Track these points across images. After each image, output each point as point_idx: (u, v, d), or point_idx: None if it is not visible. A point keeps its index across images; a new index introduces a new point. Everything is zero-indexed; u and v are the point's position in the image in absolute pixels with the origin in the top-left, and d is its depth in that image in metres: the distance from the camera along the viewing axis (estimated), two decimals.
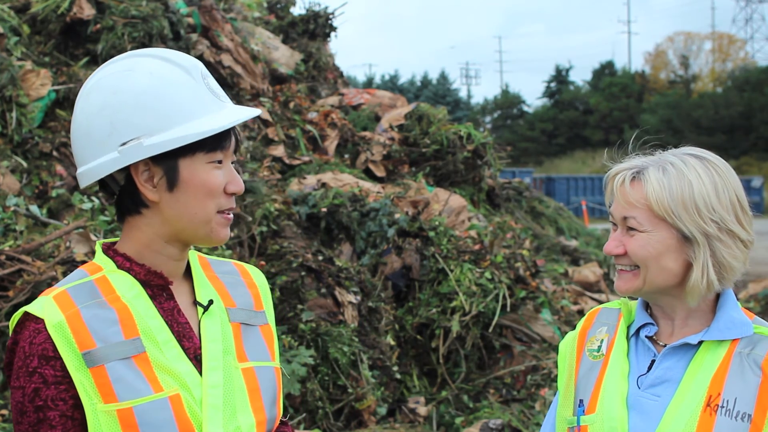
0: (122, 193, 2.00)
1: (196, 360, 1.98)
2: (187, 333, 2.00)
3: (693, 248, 2.10)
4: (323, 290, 6.88)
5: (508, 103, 72.26)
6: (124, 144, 1.92)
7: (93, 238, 5.98)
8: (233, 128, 2.03)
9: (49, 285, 5.44)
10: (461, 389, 7.26)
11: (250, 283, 2.23)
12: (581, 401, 2.25)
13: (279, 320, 6.60)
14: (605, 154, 2.31)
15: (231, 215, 2.05)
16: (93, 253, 5.90)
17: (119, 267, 2.00)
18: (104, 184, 2.02)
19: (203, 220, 1.99)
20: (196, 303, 2.07)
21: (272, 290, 6.74)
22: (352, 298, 6.96)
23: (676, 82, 70.16)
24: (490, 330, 7.50)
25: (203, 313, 2.05)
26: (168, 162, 1.94)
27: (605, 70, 70.17)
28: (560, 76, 71.67)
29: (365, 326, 7.01)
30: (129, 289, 1.97)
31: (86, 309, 1.91)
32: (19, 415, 1.88)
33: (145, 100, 1.93)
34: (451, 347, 7.44)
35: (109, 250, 2.04)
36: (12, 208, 6.38)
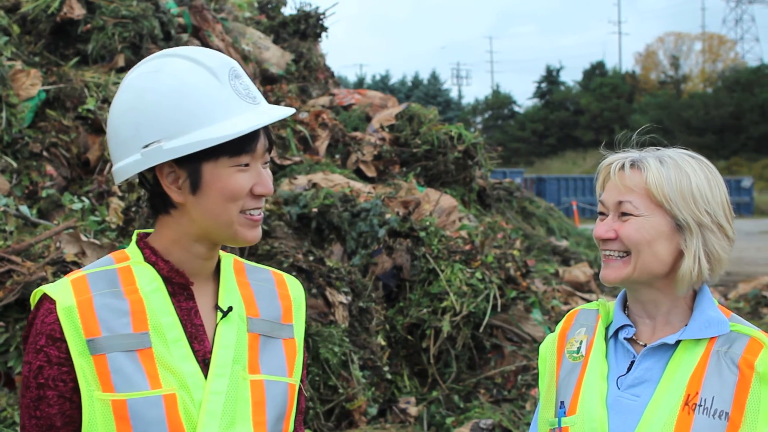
0: (153, 193, 2.02)
1: (204, 364, 1.98)
2: (199, 335, 2.01)
3: (685, 237, 2.13)
4: (314, 290, 6.88)
5: (498, 103, 72.39)
6: (146, 146, 1.93)
7: (83, 238, 5.97)
8: (262, 129, 2.01)
9: (39, 285, 5.43)
10: (452, 389, 7.26)
11: (283, 294, 2.20)
12: (562, 403, 2.26)
13: None
14: (601, 148, 2.33)
15: (260, 215, 2.05)
16: (83, 253, 5.90)
17: (146, 259, 2.02)
18: (141, 182, 2.05)
19: (226, 223, 1.99)
20: (217, 307, 2.06)
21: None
22: (342, 298, 6.96)
23: (667, 83, 70.39)
24: (481, 330, 7.51)
25: (221, 318, 2.04)
26: (191, 165, 1.95)
27: (596, 71, 70.37)
28: (551, 77, 71.82)
29: (356, 326, 7.01)
30: (149, 282, 1.99)
31: (100, 297, 1.94)
32: (24, 388, 1.93)
33: (167, 103, 1.93)
34: (442, 347, 7.45)
35: (141, 241, 2.06)
36: (1, 209, 6.36)
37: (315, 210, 7.88)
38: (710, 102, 57.76)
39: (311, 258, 7.24)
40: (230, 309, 2.05)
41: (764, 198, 47.62)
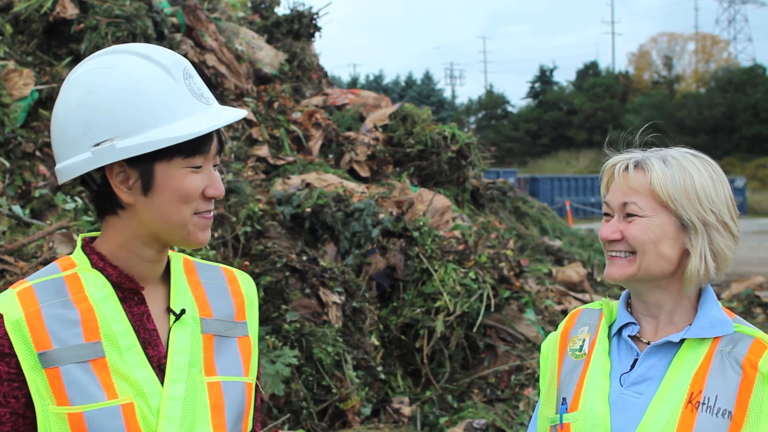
0: (99, 193, 1.95)
1: (160, 369, 1.92)
2: (153, 340, 1.95)
3: (691, 236, 2.14)
4: (307, 290, 6.87)
5: (492, 103, 72.38)
6: (97, 145, 1.87)
7: (76, 238, 5.96)
8: (216, 130, 1.96)
9: None
10: (445, 389, 7.27)
11: (235, 291, 2.15)
12: (564, 399, 2.27)
13: (263, 320, 6.59)
14: (605, 148, 2.35)
15: (211, 216, 1.99)
16: None
17: (93, 265, 1.95)
18: (84, 181, 1.97)
19: (179, 224, 1.93)
20: (169, 310, 2.01)
21: (256, 290, 6.73)
22: (336, 298, 6.96)
23: (660, 83, 70.43)
24: (474, 330, 7.51)
25: (174, 321, 1.99)
26: (144, 165, 1.88)
27: (589, 71, 70.42)
28: (544, 77, 71.84)
29: (349, 326, 7.01)
30: (99, 289, 1.92)
31: (48, 308, 1.87)
32: None
33: (121, 100, 1.87)
34: (436, 347, 7.45)
35: (87, 247, 1.99)
36: None
37: (308, 210, 7.88)
38: (703, 102, 57.82)
39: (305, 258, 7.24)
40: (183, 312, 2.00)
41: (757, 198, 47.71)
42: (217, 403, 1.97)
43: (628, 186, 2.17)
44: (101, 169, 1.90)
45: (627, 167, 2.19)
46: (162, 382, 1.91)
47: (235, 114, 1.96)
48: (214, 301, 2.08)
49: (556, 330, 2.45)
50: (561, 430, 2.25)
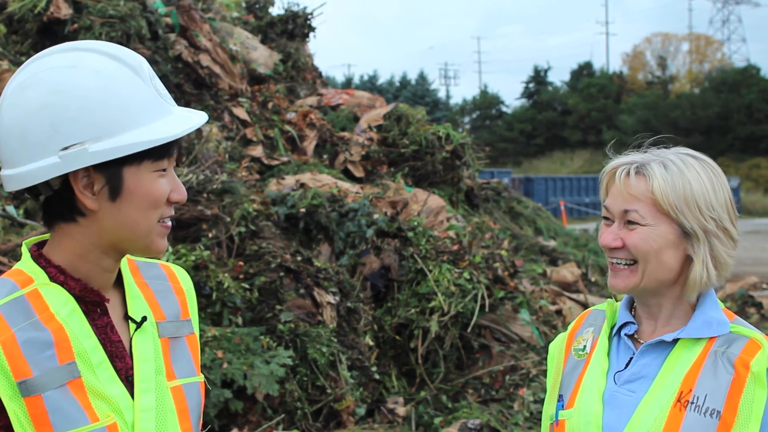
0: (54, 199, 1.83)
1: (128, 381, 1.85)
2: (119, 352, 1.86)
3: (693, 244, 2.13)
4: (302, 291, 6.87)
5: (486, 103, 72.40)
6: (65, 149, 1.74)
7: None
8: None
9: None
10: (440, 389, 7.27)
11: (177, 288, 2.07)
12: (561, 396, 2.30)
13: (258, 321, 6.59)
14: (609, 148, 2.32)
15: (169, 224, 1.92)
16: None
17: (52, 279, 1.83)
18: (31, 188, 1.82)
19: (145, 231, 1.84)
20: (127, 318, 1.93)
21: (251, 291, 6.73)
22: (330, 298, 6.95)
23: (654, 83, 70.53)
24: (469, 330, 7.51)
25: (136, 330, 1.91)
26: (111, 170, 1.78)
27: (583, 71, 70.48)
28: (539, 77, 71.89)
29: (344, 327, 7.01)
30: (63, 305, 1.81)
31: (21, 332, 1.74)
32: None
33: (92, 102, 1.75)
34: (430, 347, 7.45)
35: (41, 259, 1.86)
36: None
37: (303, 210, 7.87)
38: (697, 102, 57.90)
39: (299, 258, 7.23)
40: (144, 319, 1.92)
41: (751, 198, 47.81)
42: (182, 407, 1.92)
43: (628, 193, 2.16)
44: (62, 175, 1.77)
45: (628, 173, 2.17)
46: (132, 395, 1.84)
47: (200, 116, 1.89)
48: (162, 301, 2.02)
49: (564, 331, 2.48)
50: (557, 427, 2.28)
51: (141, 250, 1.88)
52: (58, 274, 1.83)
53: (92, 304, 1.86)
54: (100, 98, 1.76)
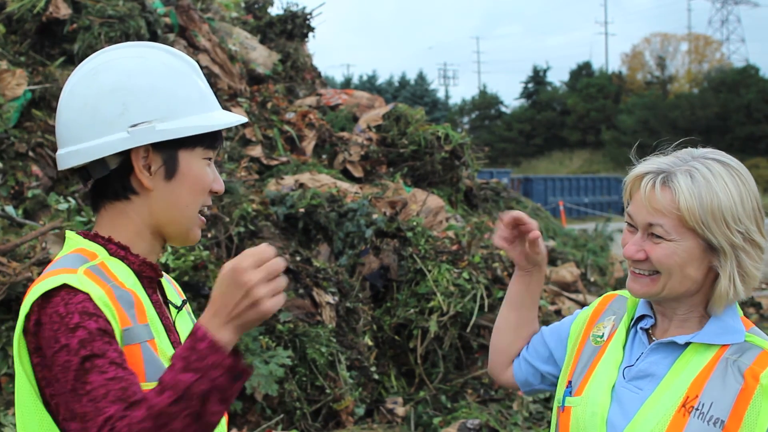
0: (110, 178, 1.97)
1: None
2: (170, 327, 2.02)
3: (719, 258, 2.08)
4: (301, 291, 6.87)
5: (485, 103, 72.44)
6: (134, 125, 1.92)
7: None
8: (219, 132, 2.05)
9: (25, 286, 5.40)
10: (439, 389, 7.27)
11: (172, 282, 2.26)
12: (570, 383, 2.28)
13: None
14: (633, 154, 2.25)
15: (204, 219, 2.06)
16: None
17: (112, 254, 1.97)
18: (82, 169, 1.99)
19: (190, 215, 2.00)
20: (167, 301, 2.08)
21: None
22: (329, 298, 6.95)
23: (653, 83, 70.56)
24: (468, 330, 7.51)
25: (177, 312, 2.08)
26: (169, 151, 1.95)
27: (582, 71, 70.50)
28: (538, 77, 71.91)
29: (343, 327, 7.01)
30: (127, 277, 1.94)
31: (114, 288, 1.88)
32: (64, 372, 1.75)
33: (160, 87, 1.95)
34: (429, 347, 7.45)
35: (98, 238, 1.99)
36: None
37: (302, 210, 7.87)
38: (696, 102, 57.92)
39: (298, 258, 7.23)
40: (185, 302, 2.10)
41: None
42: None
43: (653, 207, 2.09)
44: (121, 154, 1.94)
45: (654, 184, 2.10)
46: None
47: (243, 117, 2.07)
48: (174, 291, 2.19)
49: (588, 307, 2.46)
50: (562, 413, 2.26)
51: (181, 236, 2.03)
52: (118, 250, 1.98)
53: (148, 280, 2.00)
54: (167, 85, 1.96)
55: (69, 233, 2.03)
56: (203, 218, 2.05)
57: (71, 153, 1.96)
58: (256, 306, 1.74)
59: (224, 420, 2.11)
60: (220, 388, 1.74)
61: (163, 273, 2.11)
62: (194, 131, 1.94)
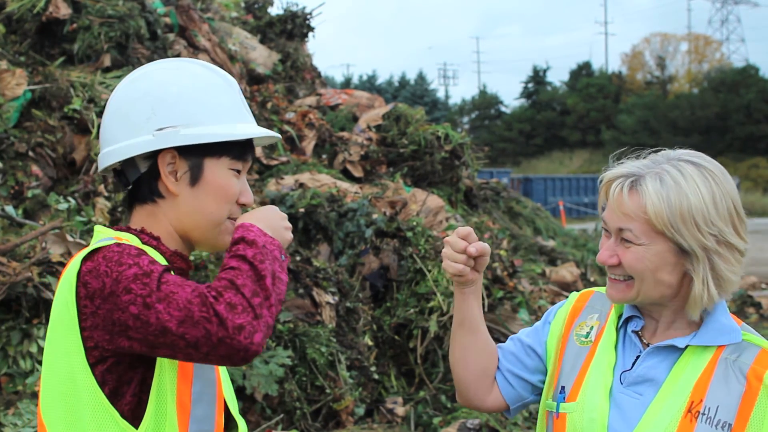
0: (140, 181, 2.07)
1: None
2: None
3: (692, 261, 2.05)
4: (301, 291, 6.87)
5: (485, 103, 72.47)
6: (160, 129, 2.02)
7: (69, 238, 5.94)
8: (251, 147, 2.14)
9: (25, 286, 5.41)
10: (439, 389, 7.26)
11: None
12: (563, 388, 2.23)
13: None
14: (612, 157, 2.22)
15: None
16: (69, 254, 5.87)
17: (145, 243, 2.04)
18: (121, 172, 2.10)
19: (215, 222, 2.07)
20: None
21: None
22: (329, 298, 6.95)
23: (653, 83, 70.58)
24: None
25: None
26: (194, 158, 2.03)
27: (582, 71, 70.54)
28: (537, 77, 71.94)
29: (343, 327, 7.01)
30: (161, 261, 2.00)
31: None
32: (136, 283, 1.83)
33: (187, 96, 2.05)
34: (429, 347, 7.45)
35: (130, 230, 2.07)
36: None
37: (302, 210, 7.87)
38: (696, 102, 57.92)
39: (298, 258, 7.23)
40: None
41: (749, 198, 47.82)
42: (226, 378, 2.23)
43: (622, 211, 2.07)
44: (151, 158, 2.04)
45: (622, 189, 2.08)
46: None
47: (275, 134, 2.18)
48: None
49: (565, 302, 2.39)
50: (557, 419, 2.21)
51: (209, 241, 2.11)
52: (150, 240, 2.06)
53: (178, 271, 2.08)
54: (194, 94, 2.06)
55: (98, 227, 2.11)
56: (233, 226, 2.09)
57: (106, 154, 2.08)
58: (288, 230, 2.05)
59: (224, 420, 2.14)
60: (277, 259, 1.98)
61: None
62: (216, 138, 2.01)
